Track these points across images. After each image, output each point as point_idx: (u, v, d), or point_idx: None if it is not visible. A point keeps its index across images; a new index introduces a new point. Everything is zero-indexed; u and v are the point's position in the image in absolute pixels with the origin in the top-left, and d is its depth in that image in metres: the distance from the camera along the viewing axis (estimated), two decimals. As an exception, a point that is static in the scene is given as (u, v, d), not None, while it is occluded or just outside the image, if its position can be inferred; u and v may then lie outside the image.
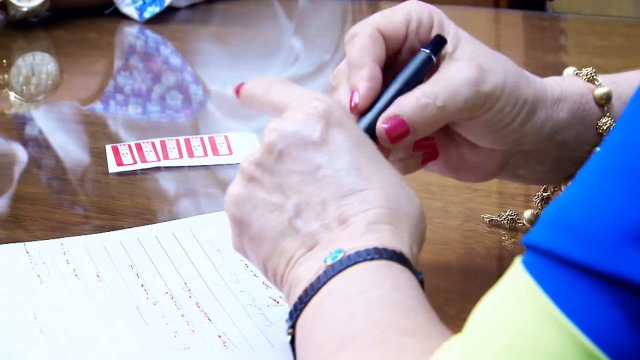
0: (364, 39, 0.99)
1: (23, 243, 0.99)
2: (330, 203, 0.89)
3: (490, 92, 0.97)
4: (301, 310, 0.83)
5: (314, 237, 0.88)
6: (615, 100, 1.01)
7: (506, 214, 1.09)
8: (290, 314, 0.83)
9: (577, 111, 1.01)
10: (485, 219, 1.09)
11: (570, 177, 1.01)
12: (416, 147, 1.03)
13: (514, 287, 0.65)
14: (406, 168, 1.04)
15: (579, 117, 1.01)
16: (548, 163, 1.04)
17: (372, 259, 0.84)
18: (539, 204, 1.08)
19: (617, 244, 0.61)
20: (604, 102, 1.01)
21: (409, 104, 0.96)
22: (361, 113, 0.97)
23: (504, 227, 1.08)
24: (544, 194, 1.09)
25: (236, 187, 0.90)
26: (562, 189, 1.04)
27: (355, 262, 0.84)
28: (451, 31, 1.00)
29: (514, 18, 1.68)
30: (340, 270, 0.84)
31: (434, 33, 1.00)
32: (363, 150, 0.91)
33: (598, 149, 0.95)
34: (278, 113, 0.93)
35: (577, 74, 1.03)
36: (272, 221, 0.89)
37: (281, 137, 0.90)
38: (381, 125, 0.96)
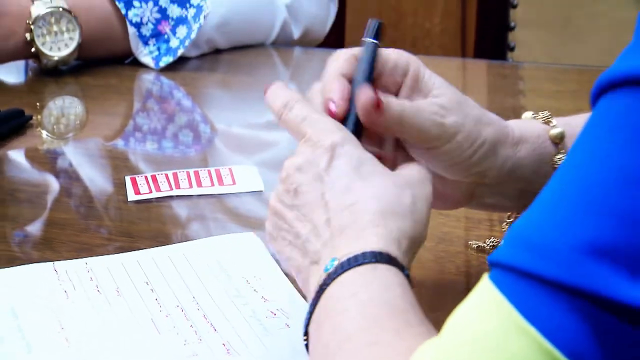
0: (339, 60, 0.99)
1: (52, 262, 0.98)
2: (330, 221, 0.90)
3: (449, 126, 0.97)
4: (310, 317, 0.84)
5: (318, 253, 0.89)
6: (568, 139, 1.02)
7: (490, 240, 1.08)
8: (305, 321, 0.84)
9: (535, 150, 1.01)
10: (473, 246, 1.08)
11: None
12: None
13: (482, 298, 0.64)
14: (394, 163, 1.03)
15: (537, 155, 1.02)
16: (511, 194, 1.04)
17: (360, 264, 0.84)
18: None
19: (573, 257, 0.60)
20: (559, 141, 1.01)
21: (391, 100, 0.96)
22: (341, 118, 0.97)
23: (488, 252, 1.07)
24: (508, 220, 1.09)
25: (268, 223, 0.93)
26: None
27: (347, 269, 0.84)
28: (426, 77, 0.99)
29: (479, 66, 1.68)
30: (335, 277, 0.84)
31: (409, 78, 1.00)
32: (360, 169, 0.91)
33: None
34: (295, 136, 0.95)
35: (534, 117, 1.03)
36: (295, 248, 0.91)
37: (295, 176, 0.92)
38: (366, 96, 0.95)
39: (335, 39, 1.71)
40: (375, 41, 1.00)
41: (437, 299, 0.97)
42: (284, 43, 1.57)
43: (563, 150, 1.01)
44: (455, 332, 0.67)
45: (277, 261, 0.99)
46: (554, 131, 1.01)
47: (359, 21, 2.41)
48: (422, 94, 0.99)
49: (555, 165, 1.01)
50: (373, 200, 0.93)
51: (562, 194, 0.62)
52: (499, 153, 1.00)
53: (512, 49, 1.80)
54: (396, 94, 1.00)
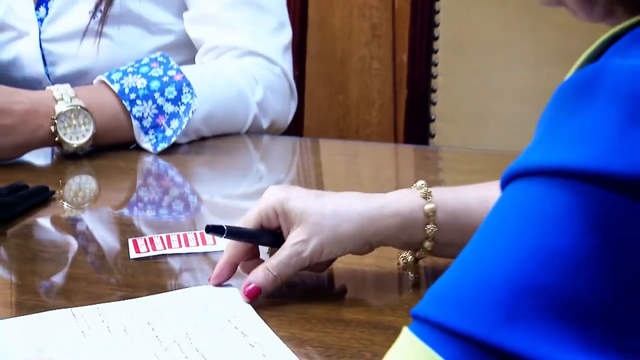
0: (226, 249, 1.03)
1: (70, 308, 0.97)
2: None
3: (309, 256, 0.98)
4: None
5: None
6: (440, 212, 1.01)
7: (401, 256, 1.06)
8: None
9: (407, 223, 1.01)
10: (399, 258, 1.06)
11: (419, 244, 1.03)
12: None
13: (402, 344, 0.60)
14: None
15: (410, 226, 1.01)
16: (397, 246, 1.04)
17: None
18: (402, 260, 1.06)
19: (487, 316, 0.57)
20: (432, 214, 1.00)
21: (259, 275, 0.98)
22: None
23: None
24: (402, 255, 1.07)
25: None
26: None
27: None
28: (292, 214, 0.99)
29: (407, 150, 1.70)
30: None
31: (280, 220, 1.00)
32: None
33: (428, 242, 1.02)
34: None
35: (421, 186, 1.02)
36: None
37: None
38: (243, 290, 0.98)
39: (295, 127, 1.71)
40: (222, 233, 1.00)
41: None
42: (255, 132, 1.59)
43: (433, 222, 1.00)
44: None
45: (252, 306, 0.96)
46: (428, 207, 1.00)
47: (315, 113, 2.42)
48: (292, 225, 1.00)
49: (427, 232, 1.00)
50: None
51: (478, 262, 0.59)
52: (374, 239, 1.01)
53: (432, 136, 1.81)
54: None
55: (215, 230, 0.99)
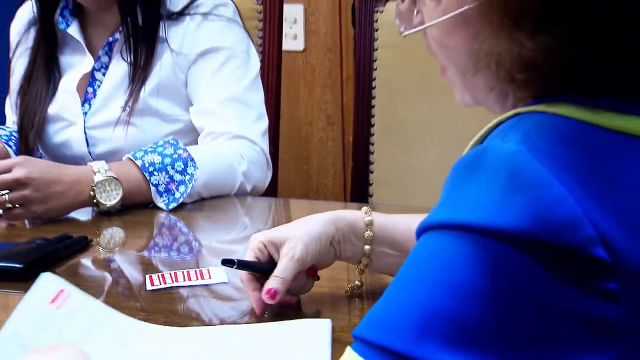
0: (246, 285, 1.01)
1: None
2: None
3: (300, 256, 0.97)
4: None
5: None
6: (375, 224, 1.01)
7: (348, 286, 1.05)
8: None
9: (353, 227, 1.00)
10: (348, 287, 1.05)
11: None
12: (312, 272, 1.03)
13: (346, 358, 0.59)
14: (307, 287, 1.03)
15: (355, 230, 1.01)
16: (349, 251, 1.02)
17: None
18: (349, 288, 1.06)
19: (408, 335, 0.56)
20: (369, 224, 1.00)
21: (271, 282, 0.96)
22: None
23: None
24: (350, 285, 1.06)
25: None
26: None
27: None
28: (276, 239, 0.99)
29: (353, 207, 1.65)
30: None
31: (270, 249, 1.00)
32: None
33: (367, 246, 1.01)
34: None
35: (366, 210, 1.03)
36: None
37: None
38: (264, 294, 0.96)
39: (271, 190, 1.71)
40: (233, 264, 0.98)
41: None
42: (241, 194, 1.58)
43: (370, 229, 1.00)
44: None
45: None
46: (367, 219, 1.00)
47: (286, 179, 2.41)
48: (279, 246, 0.99)
49: (365, 236, 1.01)
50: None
51: (399, 294, 0.58)
52: (342, 246, 1.01)
53: (371, 196, 1.81)
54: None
55: (228, 262, 0.99)
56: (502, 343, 0.54)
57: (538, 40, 0.58)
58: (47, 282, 0.92)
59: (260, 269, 0.99)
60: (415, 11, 0.68)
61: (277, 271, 0.96)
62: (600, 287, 0.53)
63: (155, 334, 0.94)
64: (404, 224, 1.01)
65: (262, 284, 0.98)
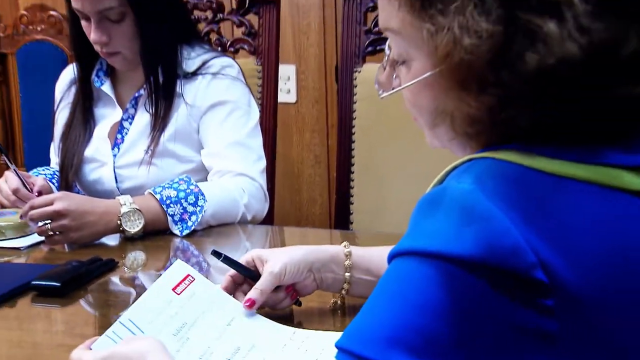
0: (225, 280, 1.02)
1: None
2: None
3: (278, 273, 0.96)
4: None
5: None
6: (353, 255, 1.00)
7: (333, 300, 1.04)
8: None
9: (334, 257, 1.00)
10: (331, 302, 1.04)
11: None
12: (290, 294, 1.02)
13: None
14: (283, 303, 1.02)
15: (335, 259, 1.00)
16: (329, 279, 1.01)
17: None
18: (332, 303, 1.04)
19: (379, 346, 0.56)
20: (348, 254, 1.00)
21: (252, 292, 0.96)
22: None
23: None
24: (333, 299, 1.05)
25: None
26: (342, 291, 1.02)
27: None
28: (264, 256, 1.00)
29: (336, 233, 1.68)
30: None
31: (256, 263, 1.00)
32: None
33: (347, 274, 1.00)
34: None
35: (345, 245, 1.02)
36: None
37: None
38: (244, 303, 0.95)
39: (268, 219, 1.72)
40: (220, 257, 0.98)
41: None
42: (243, 222, 1.60)
43: (349, 259, 1.00)
44: None
45: None
46: (346, 250, 1.00)
47: (281, 210, 2.41)
48: (265, 262, 0.99)
49: (345, 264, 1.00)
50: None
51: (373, 311, 0.59)
52: (321, 272, 1.00)
53: (351, 223, 1.81)
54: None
55: (217, 254, 1.00)
56: (460, 351, 0.54)
57: (481, 100, 0.59)
58: (176, 269, 0.94)
59: (238, 268, 1.00)
60: (395, 76, 0.69)
61: (257, 284, 0.96)
62: (540, 303, 0.54)
63: (252, 319, 0.95)
64: (378, 254, 1.01)
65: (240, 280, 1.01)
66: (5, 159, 1.48)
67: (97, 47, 1.56)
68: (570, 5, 0.54)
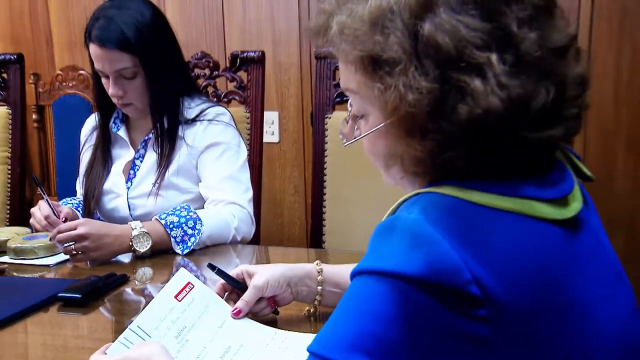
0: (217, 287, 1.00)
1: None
2: None
3: (261, 286, 0.95)
4: None
5: None
6: (324, 271, 0.98)
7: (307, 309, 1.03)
8: None
9: (308, 273, 0.98)
10: (305, 310, 1.02)
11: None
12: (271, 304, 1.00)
13: None
14: (264, 312, 1.00)
15: (310, 275, 0.98)
16: (304, 292, 0.99)
17: None
18: (307, 310, 1.03)
19: (344, 352, 0.56)
20: (320, 271, 0.98)
21: (238, 303, 0.95)
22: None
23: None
24: (307, 309, 1.03)
25: None
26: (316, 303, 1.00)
27: None
28: (251, 271, 0.98)
29: (311, 251, 1.60)
30: None
31: (245, 276, 0.99)
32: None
33: (319, 287, 0.97)
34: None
35: (315, 262, 1.00)
36: None
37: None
38: (231, 313, 0.93)
39: (255, 240, 1.71)
40: (214, 269, 0.95)
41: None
42: (233, 243, 1.60)
43: (321, 275, 0.98)
44: None
45: None
46: (318, 267, 0.99)
47: (267, 231, 2.39)
48: (252, 276, 0.97)
49: (318, 279, 0.97)
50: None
51: (337, 320, 0.59)
52: (297, 287, 0.98)
53: (324, 242, 1.81)
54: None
55: (212, 267, 1.00)
56: (409, 354, 0.55)
57: (425, 145, 0.60)
58: (179, 278, 0.93)
59: (229, 280, 1.00)
60: (355, 127, 0.69)
61: (244, 296, 0.96)
62: (475, 313, 0.55)
63: (240, 322, 0.94)
64: (345, 271, 1.00)
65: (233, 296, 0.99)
66: (40, 190, 1.50)
67: (114, 100, 1.59)
68: (490, 65, 0.56)
